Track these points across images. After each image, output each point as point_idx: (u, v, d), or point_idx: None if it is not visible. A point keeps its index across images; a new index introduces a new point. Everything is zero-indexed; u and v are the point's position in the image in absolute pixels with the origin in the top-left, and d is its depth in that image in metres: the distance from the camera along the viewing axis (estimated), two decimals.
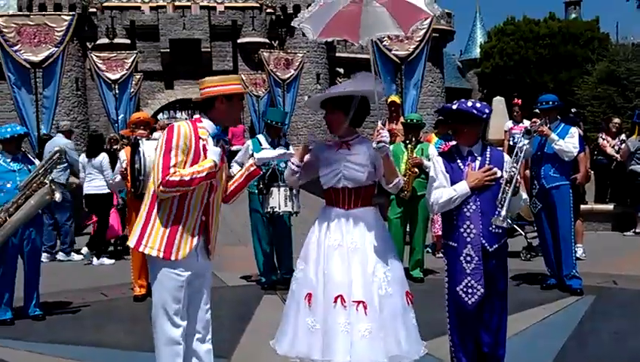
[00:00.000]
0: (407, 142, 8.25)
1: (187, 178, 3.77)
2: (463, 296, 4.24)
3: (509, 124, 12.36)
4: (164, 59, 41.23)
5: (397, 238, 7.66)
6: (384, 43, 13.73)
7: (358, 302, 4.00)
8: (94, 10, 41.09)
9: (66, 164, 10.56)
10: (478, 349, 4.38)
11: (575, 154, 7.31)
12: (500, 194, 4.18)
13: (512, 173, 4.23)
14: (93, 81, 29.32)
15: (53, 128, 13.57)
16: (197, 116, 4.06)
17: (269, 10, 42.66)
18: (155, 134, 9.42)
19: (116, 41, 39.98)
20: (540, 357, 5.32)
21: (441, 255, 8.14)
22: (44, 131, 12.80)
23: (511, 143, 11.50)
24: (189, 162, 3.85)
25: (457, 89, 55.85)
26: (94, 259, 10.14)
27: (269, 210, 7.56)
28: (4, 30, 12.76)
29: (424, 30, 13.87)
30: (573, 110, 13.34)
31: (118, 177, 7.79)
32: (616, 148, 11.97)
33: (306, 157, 4.39)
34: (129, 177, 6.48)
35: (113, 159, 9.76)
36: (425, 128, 9.09)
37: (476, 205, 4.21)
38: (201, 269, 4.03)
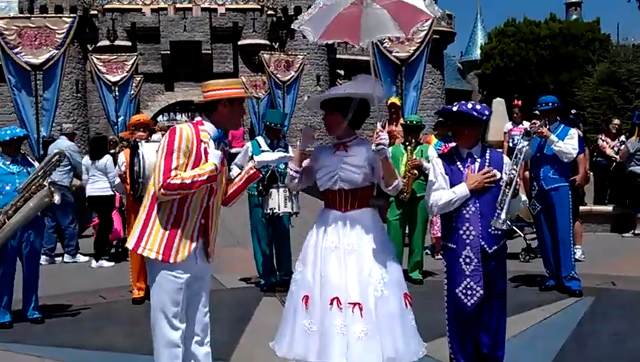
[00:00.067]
0: (407, 143, 8.24)
1: (188, 181, 3.78)
2: (463, 297, 4.24)
3: (509, 125, 12.37)
4: (165, 62, 41.27)
5: (396, 240, 7.66)
6: (385, 45, 13.74)
7: (354, 304, 3.99)
8: (95, 12, 41.18)
9: (69, 167, 10.58)
10: (478, 351, 4.38)
11: (574, 155, 7.31)
12: (499, 197, 4.18)
13: (512, 176, 4.23)
14: (93, 83, 29.36)
15: (53, 131, 13.58)
16: (198, 119, 4.06)
17: (269, 12, 42.72)
18: (154, 136, 9.43)
19: (117, 43, 40.04)
20: (539, 358, 5.32)
21: (440, 257, 8.13)
22: (44, 133, 12.81)
23: (510, 145, 11.51)
24: (190, 165, 3.85)
25: (457, 90, 55.88)
26: (93, 262, 10.14)
27: (268, 211, 7.56)
28: (4, 32, 12.77)
29: (425, 32, 13.88)
30: (573, 111, 13.36)
31: (117, 180, 7.79)
32: (616, 149, 11.97)
33: (306, 161, 4.40)
34: (128, 180, 6.49)
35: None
36: (425, 130, 9.09)
37: (475, 207, 4.21)
38: (200, 272, 4.03)
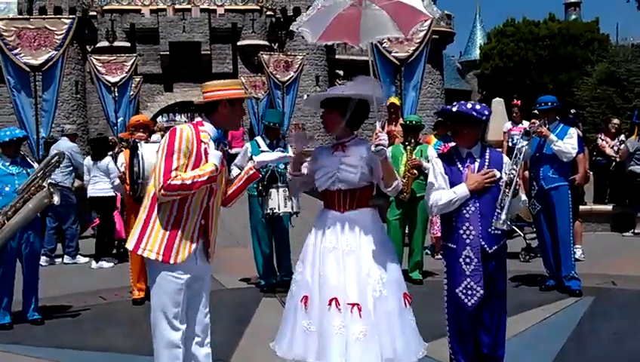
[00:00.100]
0: (407, 143, 8.25)
1: (188, 182, 3.78)
2: (463, 297, 4.24)
3: (508, 125, 12.37)
4: (164, 62, 41.28)
5: (396, 240, 7.66)
6: (384, 45, 13.73)
7: (353, 305, 3.99)
8: (94, 13, 41.17)
9: (71, 168, 10.60)
10: (478, 350, 4.38)
11: (574, 155, 7.31)
12: (499, 197, 4.19)
13: (512, 176, 4.23)
14: (92, 84, 29.32)
15: (53, 132, 13.58)
16: (198, 119, 4.07)
17: (268, 13, 42.73)
18: (154, 136, 9.43)
19: (116, 44, 40.04)
20: (540, 358, 5.33)
21: (440, 256, 8.13)
22: (43, 134, 12.81)
23: (510, 144, 11.51)
24: (190, 165, 3.86)
25: (457, 90, 55.88)
26: (93, 263, 10.14)
27: (268, 211, 7.56)
28: (4, 34, 12.76)
29: (424, 32, 13.87)
30: (572, 111, 13.36)
31: (117, 180, 7.79)
32: (615, 148, 11.97)
33: (305, 165, 4.41)
34: (127, 180, 6.49)
35: None
36: (424, 130, 9.09)
37: (475, 207, 4.21)
38: (200, 272, 4.04)
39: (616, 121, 12.72)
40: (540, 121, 7.29)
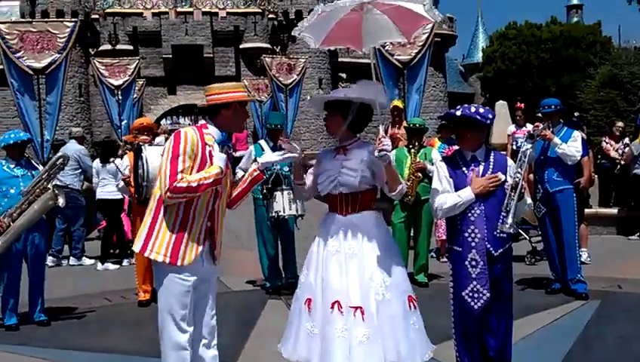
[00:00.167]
0: (411, 146, 8.24)
1: (194, 184, 3.79)
2: (469, 300, 4.24)
3: (512, 128, 12.38)
4: (167, 65, 41.28)
5: (401, 243, 7.65)
6: (386, 48, 13.73)
7: (356, 308, 4.00)
8: (97, 16, 41.18)
9: (79, 170, 10.63)
10: (484, 354, 4.37)
11: (578, 158, 7.31)
12: (505, 201, 4.18)
13: (517, 179, 4.23)
14: (96, 87, 29.32)
15: (57, 134, 13.59)
16: (202, 122, 4.08)
17: (271, 16, 42.72)
18: (157, 139, 9.43)
19: (119, 47, 40.03)
20: (546, 361, 5.31)
21: (445, 259, 8.13)
22: (47, 137, 12.83)
23: (514, 147, 11.51)
24: (195, 168, 3.87)
25: (460, 93, 55.82)
26: (99, 264, 10.16)
27: (273, 214, 7.56)
28: (6, 37, 12.76)
29: (426, 35, 13.86)
30: (576, 114, 13.35)
31: (121, 183, 7.81)
32: (620, 151, 11.95)
33: (310, 172, 4.42)
34: (132, 183, 6.50)
35: None
36: (428, 132, 9.08)
37: (480, 210, 4.20)
38: (206, 274, 4.04)
39: (620, 124, 12.71)
40: (544, 124, 7.28)
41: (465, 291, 4.25)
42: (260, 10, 42.68)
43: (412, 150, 8.19)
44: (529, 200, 4.48)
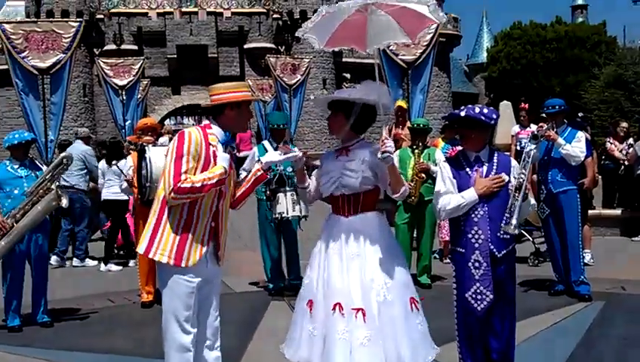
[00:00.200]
0: (414, 147, 8.23)
1: (198, 185, 3.79)
2: (472, 302, 4.23)
3: (516, 128, 12.35)
4: (171, 65, 41.35)
5: (404, 244, 7.65)
6: (391, 48, 13.70)
7: (357, 310, 4.00)
8: (101, 16, 41.27)
9: (85, 170, 10.65)
10: (487, 355, 4.36)
11: (582, 158, 7.29)
12: (509, 201, 4.17)
13: (521, 180, 4.22)
14: (100, 87, 29.37)
15: (61, 134, 13.62)
16: (206, 122, 4.08)
17: (275, 16, 42.75)
18: (161, 139, 9.43)
19: (123, 47, 40.12)
20: None
21: (448, 261, 8.11)
22: (51, 137, 12.85)
23: (518, 148, 11.48)
24: (199, 168, 3.87)
25: (464, 93, 55.79)
26: (102, 265, 10.17)
27: (277, 215, 7.56)
28: (11, 37, 12.78)
29: (431, 35, 13.84)
30: (580, 114, 13.31)
31: (125, 184, 7.81)
32: (624, 152, 11.92)
33: (314, 174, 4.42)
34: (135, 184, 6.50)
35: None
36: (432, 133, 9.07)
37: (484, 211, 4.20)
38: (210, 275, 4.04)
39: (624, 124, 12.67)
40: (548, 125, 7.27)
41: (468, 292, 4.24)
42: (265, 10, 42.71)
43: (416, 150, 8.18)
44: (533, 201, 4.46)
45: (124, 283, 8.70)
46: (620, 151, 11.99)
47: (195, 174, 3.83)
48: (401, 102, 11.73)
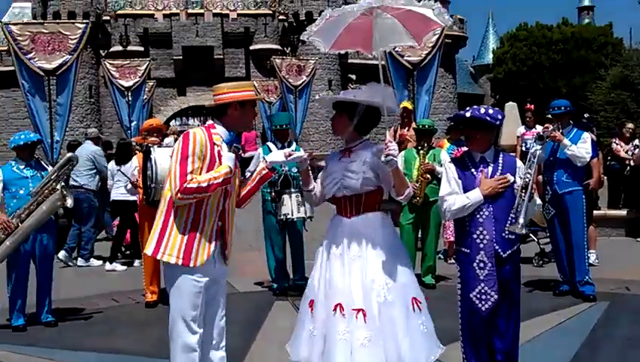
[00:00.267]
0: (420, 147, 8.23)
1: (204, 184, 3.81)
2: (477, 302, 4.23)
3: (522, 129, 12.35)
4: (177, 67, 41.39)
5: (409, 244, 7.65)
6: (396, 49, 13.70)
7: (358, 310, 4.01)
8: (108, 18, 41.34)
9: (94, 170, 10.69)
10: (491, 356, 4.36)
11: (588, 159, 7.27)
12: (516, 202, 4.17)
13: (527, 180, 4.22)
14: (106, 88, 29.36)
15: (66, 135, 13.65)
16: (210, 122, 4.08)
17: (281, 17, 42.76)
18: (167, 140, 9.44)
19: (129, 48, 40.17)
20: None
21: (453, 261, 8.10)
22: (57, 138, 12.88)
23: (523, 149, 11.47)
24: (204, 168, 3.88)
25: (470, 95, 55.67)
26: (107, 264, 10.19)
27: (282, 217, 7.56)
28: (18, 38, 12.82)
29: (436, 36, 13.81)
30: (586, 115, 13.29)
31: (129, 184, 7.82)
32: (630, 153, 11.89)
33: (319, 176, 4.43)
34: (141, 184, 6.51)
35: None
36: (437, 134, 9.07)
37: (489, 211, 4.20)
38: (217, 275, 4.06)
39: (630, 125, 12.63)
40: (554, 126, 7.26)
41: (472, 293, 4.24)
42: (271, 12, 42.72)
43: (421, 151, 8.17)
44: (539, 201, 4.47)
45: (128, 283, 8.72)
46: (626, 152, 11.96)
47: (200, 174, 3.85)
48: (407, 103, 11.74)
